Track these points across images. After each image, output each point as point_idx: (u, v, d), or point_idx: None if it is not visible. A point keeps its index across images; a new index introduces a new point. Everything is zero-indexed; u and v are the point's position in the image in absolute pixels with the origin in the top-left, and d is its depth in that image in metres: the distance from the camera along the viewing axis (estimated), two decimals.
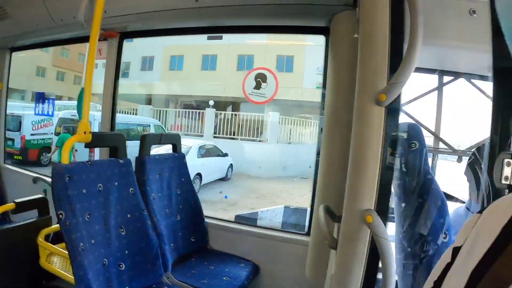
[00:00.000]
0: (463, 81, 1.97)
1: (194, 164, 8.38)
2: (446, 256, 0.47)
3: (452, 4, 1.47)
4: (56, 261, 2.03)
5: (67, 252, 1.75)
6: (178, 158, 2.40)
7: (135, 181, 1.99)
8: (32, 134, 7.76)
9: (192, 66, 16.34)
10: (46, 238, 2.02)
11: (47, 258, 2.01)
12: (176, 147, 2.43)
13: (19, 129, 8.11)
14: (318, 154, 1.99)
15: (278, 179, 10.46)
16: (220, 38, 2.40)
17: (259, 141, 12.60)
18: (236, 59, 15.59)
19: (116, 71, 2.62)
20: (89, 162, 1.81)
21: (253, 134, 12.96)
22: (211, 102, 15.39)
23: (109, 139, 1.98)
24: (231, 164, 10.87)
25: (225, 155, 10.89)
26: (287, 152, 11.74)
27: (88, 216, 1.73)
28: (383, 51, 1.17)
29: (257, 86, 2.20)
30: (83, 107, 1.72)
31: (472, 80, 1.95)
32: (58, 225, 2.00)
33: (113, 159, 1.94)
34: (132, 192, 1.97)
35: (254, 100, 2.18)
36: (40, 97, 3.16)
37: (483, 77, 1.94)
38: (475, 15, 1.44)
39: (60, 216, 1.63)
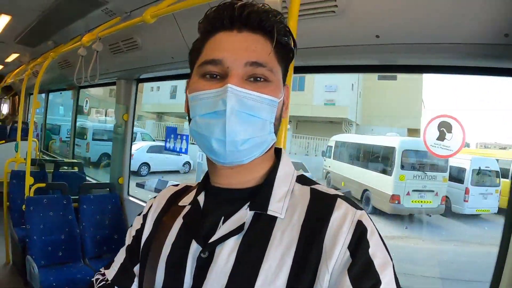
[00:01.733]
0: None
1: (142, 156, 13.04)
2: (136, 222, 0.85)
3: None
4: None
5: None
6: None
7: None
8: (66, 137, 10.46)
9: None
10: None
11: None
12: None
13: (58, 133, 11.04)
14: None
15: None
16: (395, 78, 2.03)
17: None
18: None
19: None
20: None
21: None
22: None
23: None
24: (188, 162, 13.89)
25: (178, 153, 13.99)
26: None
27: None
28: None
29: (441, 137, 1.83)
30: None
31: None
32: None
33: None
34: None
35: (437, 154, 1.82)
36: (172, 132, 2.93)
37: None
38: None
39: None
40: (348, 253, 0.60)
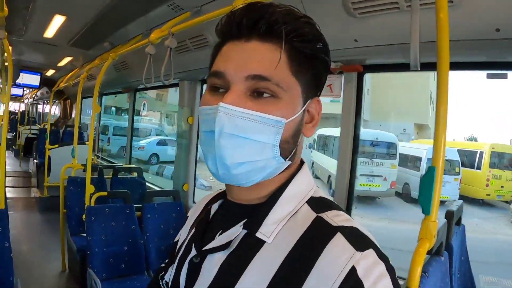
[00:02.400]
0: None
1: (152, 148, 15.94)
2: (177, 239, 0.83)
3: None
4: None
5: None
6: None
7: None
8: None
9: None
10: None
11: None
12: None
13: (86, 130, 12.74)
14: None
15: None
16: (505, 77, 1.75)
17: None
18: None
19: (357, 110, 2.07)
20: None
21: None
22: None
23: None
24: None
25: None
26: None
27: None
28: None
29: None
30: (433, 196, 0.97)
31: None
32: None
33: None
34: None
35: None
36: None
37: None
38: None
39: None
40: None
